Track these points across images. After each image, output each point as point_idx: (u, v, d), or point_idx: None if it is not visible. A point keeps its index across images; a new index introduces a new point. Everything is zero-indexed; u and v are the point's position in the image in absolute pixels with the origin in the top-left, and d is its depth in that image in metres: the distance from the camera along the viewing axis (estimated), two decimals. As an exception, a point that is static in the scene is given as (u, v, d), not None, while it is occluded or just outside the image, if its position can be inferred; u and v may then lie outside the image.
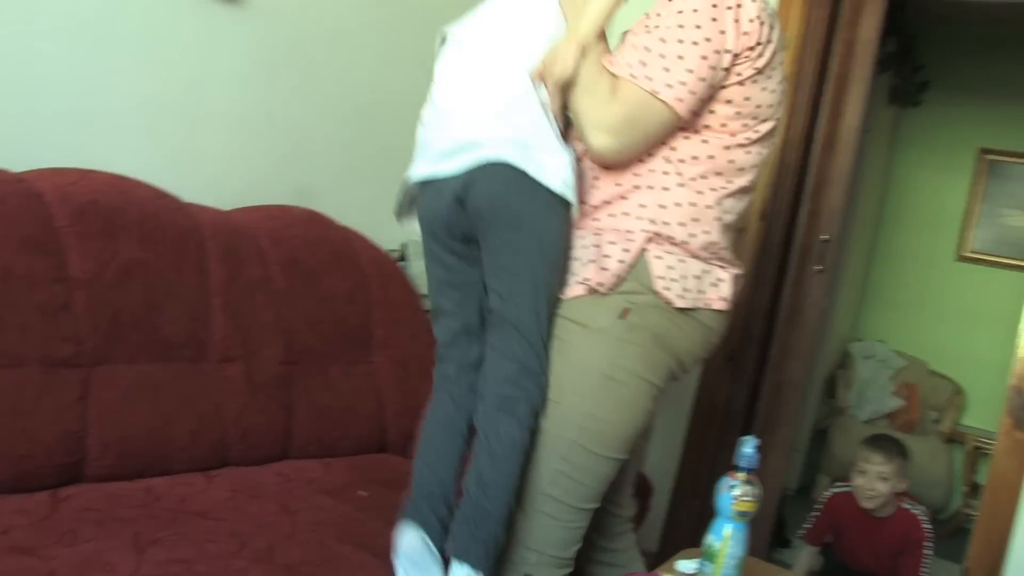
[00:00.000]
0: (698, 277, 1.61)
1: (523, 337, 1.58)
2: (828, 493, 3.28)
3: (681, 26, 1.51)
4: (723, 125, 1.58)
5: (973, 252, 5.64)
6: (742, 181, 1.63)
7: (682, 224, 1.59)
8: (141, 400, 1.82)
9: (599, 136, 1.55)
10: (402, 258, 2.79)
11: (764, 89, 1.59)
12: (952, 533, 4.71)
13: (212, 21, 2.26)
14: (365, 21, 2.69)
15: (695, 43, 1.50)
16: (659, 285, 1.57)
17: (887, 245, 5.87)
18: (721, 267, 1.66)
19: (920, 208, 5.80)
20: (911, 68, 5.57)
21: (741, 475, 1.58)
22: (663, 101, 1.51)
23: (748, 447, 1.59)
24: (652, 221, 1.58)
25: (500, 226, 1.58)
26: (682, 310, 1.59)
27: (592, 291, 1.59)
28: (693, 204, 1.59)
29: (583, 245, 1.63)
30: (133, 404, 1.80)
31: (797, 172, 3.55)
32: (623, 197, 1.61)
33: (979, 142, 5.69)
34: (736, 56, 1.53)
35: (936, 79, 5.67)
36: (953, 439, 5.20)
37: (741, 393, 3.56)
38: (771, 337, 3.60)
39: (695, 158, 1.58)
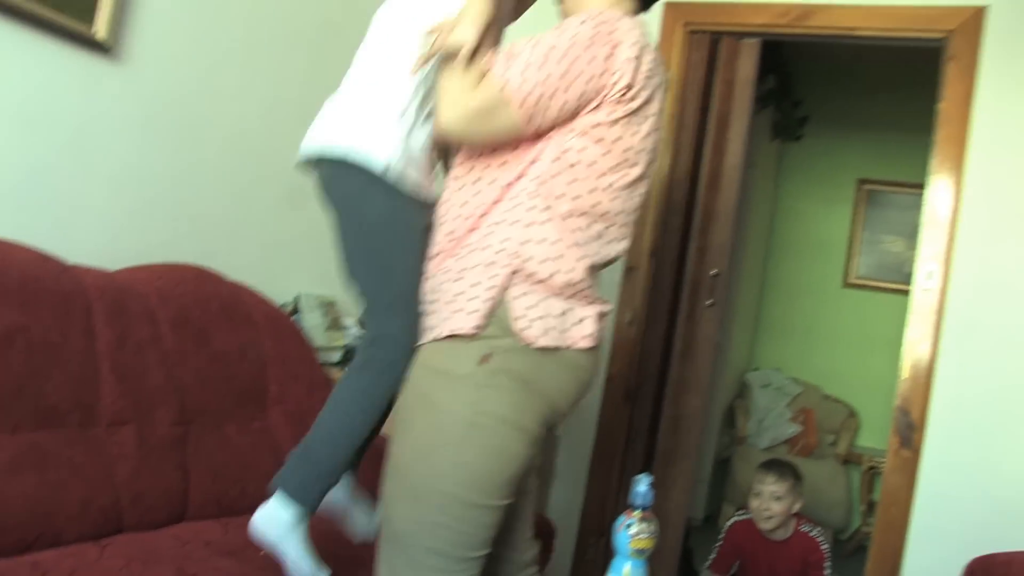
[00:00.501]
0: (560, 316, 1.60)
1: (369, 308, 1.68)
2: (729, 523, 3.35)
3: (554, 47, 1.56)
4: (591, 164, 1.60)
5: (858, 278, 5.89)
6: (605, 225, 1.65)
7: (544, 261, 1.58)
8: (26, 470, 1.77)
9: (448, 118, 1.57)
10: (295, 311, 2.78)
11: (635, 134, 1.63)
12: (853, 551, 4.87)
13: (91, 78, 2.23)
14: (250, 75, 2.70)
15: (559, 60, 1.54)
16: (518, 325, 1.56)
17: (777, 275, 6.09)
18: (583, 305, 1.65)
19: (806, 238, 6.04)
20: (791, 104, 5.82)
21: (637, 513, 1.62)
22: (513, 111, 1.55)
23: (642, 485, 1.63)
24: (515, 255, 1.58)
25: (331, 210, 1.74)
26: (545, 349, 1.58)
27: (452, 336, 1.59)
28: (558, 241, 1.59)
29: (443, 282, 1.64)
30: (17, 475, 1.75)
31: (684, 209, 3.66)
32: (483, 230, 1.62)
33: (857, 173, 5.97)
34: (602, 92, 1.57)
35: (815, 114, 5.93)
36: (849, 460, 5.39)
37: (641, 429, 3.63)
38: (667, 372, 3.68)
39: (561, 196, 1.59)
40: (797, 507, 3.16)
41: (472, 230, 1.63)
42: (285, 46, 2.81)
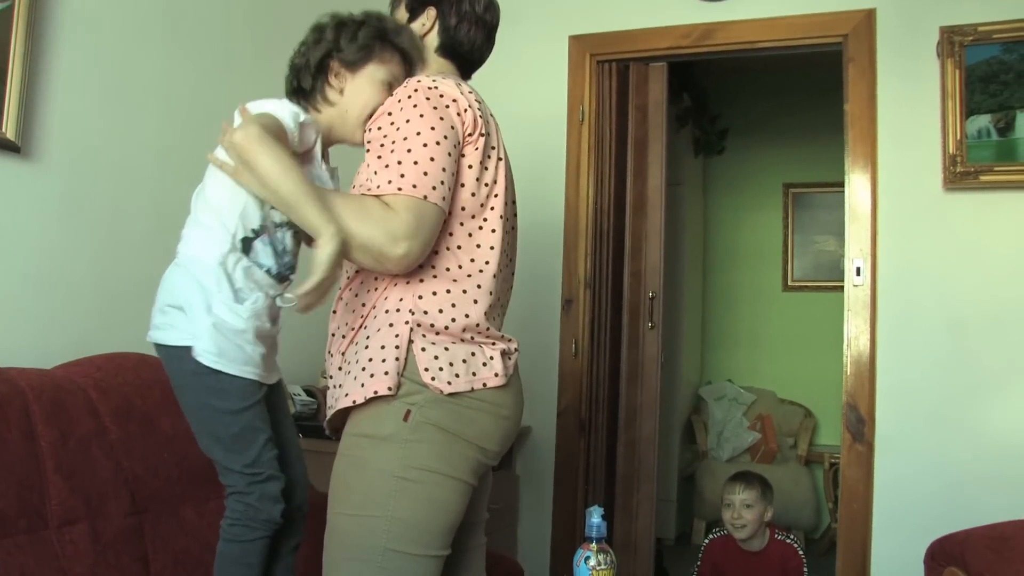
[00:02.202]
0: (465, 361, 1.67)
1: (218, 468, 1.77)
2: (705, 542, 3.34)
3: (418, 133, 1.63)
4: (461, 210, 1.71)
5: (796, 281, 6.02)
6: (477, 260, 1.73)
7: (441, 311, 1.66)
8: (-22, 583, 1.76)
9: (402, 245, 1.59)
10: (240, 385, 2.78)
11: (479, 179, 1.73)
12: (828, 549, 4.92)
13: (2, 178, 2.23)
14: (167, 159, 2.71)
15: (438, 142, 1.64)
16: (427, 377, 1.62)
17: (717, 288, 6.19)
18: (488, 346, 1.72)
19: (741, 247, 6.16)
20: (709, 119, 5.96)
21: (593, 545, 1.65)
22: (433, 203, 1.62)
23: (595, 517, 1.66)
24: (411, 311, 1.66)
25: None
26: (458, 395, 1.64)
27: (372, 399, 1.63)
28: (448, 291, 1.68)
29: (353, 353, 1.71)
30: (-31, 589, 1.74)
31: (614, 236, 3.73)
32: (380, 304, 1.71)
33: (782, 178, 6.12)
34: (463, 143, 1.69)
35: (734, 126, 6.08)
36: (811, 460, 5.47)
37: (599, 458, 3.67)
38: (617, 398, 3.73)
39: (435, 253, 1.70)
40: (769, 514, 3.17)
41: (365, 301, 1.73)
42: (199, 130, 2.83)
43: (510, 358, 1.77)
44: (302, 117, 1.71)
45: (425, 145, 1.62)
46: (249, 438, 1.74)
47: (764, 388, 5.86)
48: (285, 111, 1.69)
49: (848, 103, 3.30)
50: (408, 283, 1.68)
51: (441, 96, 1.69)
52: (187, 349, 1.70)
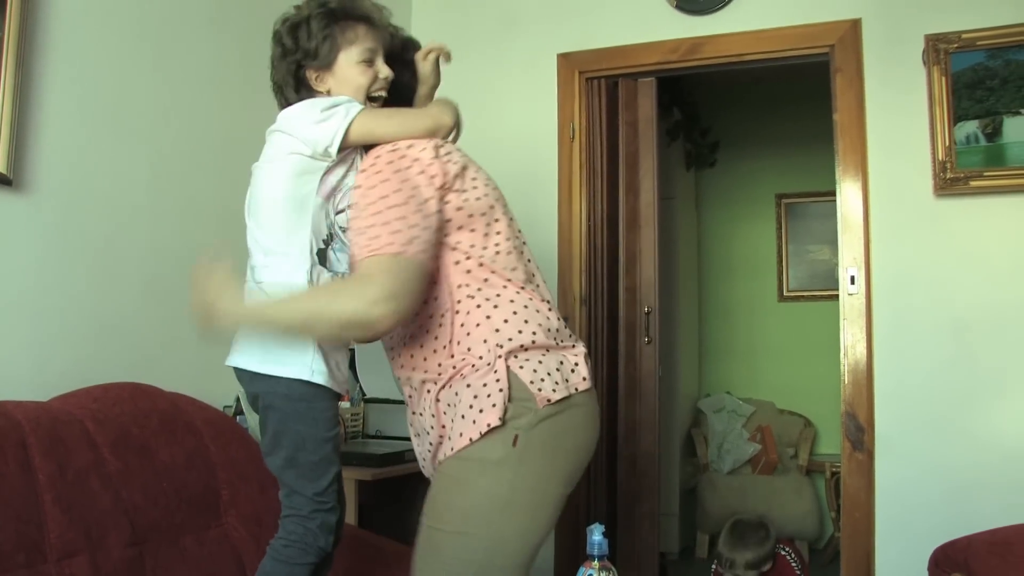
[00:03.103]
0: (558, 369, 1.70)
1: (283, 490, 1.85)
2: None
3: (383, 197, 1.67)
4: (471, 245, 1.76)
5: (791, 291, 6.03)
6: (519, 275, 1.78)
7: (520, 331, 1.70)
8: (-22, 619, 1.75)
9: (381, 306, 1.60)
10: (238, 412, 2.78)
11: (466, 196, 1.76)
12: (832, 559, 4.91)
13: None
14: (159, 187, 2.71)
15: (403, 203, 1.66)
16: (534, 389, 1.66)
17: (713, 301, 6.19)
18: (569, 351, 1.76)
19: (736, 259, 6.16)
20: (700, 132, 5.98)
21: (595, 563, 1.64)
22: (409, 258, 1.64)
23: (596, 535, 1.65)
24: (499, 345, 1.69)
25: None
26: (561, 402, 1.67)
27: (485, 433, 1.65)
28: (515, 312, 1.72)
29: (455, 393, 1.71)
30: (-30, 626, 1.73)
31: (608, 252, 3.74)
32: (460, 351, 1.73)
33: (774, 188, 6.13)
34: (441, 194, 1.72)
35: (725, 138, 6.10)
36: (812, 470, 5.46)
37: (599, 474, 3.66)
38: (616, 414, 3.73)
39: (485, 280, 1.74)
40: (768, 567, 3.11)
41: (445, 343, 1.74)
42: (192, 160, 2.83)
43: (588, 361, 1.80)
44: (347, 98, 1.78)
45: (391, 207, 1.66)
46: (325, 468, 1.82)
47: (763, 399, 5.85)
48: (355, 105, 1.77)
49: (837, 113, 3.31)
50: (479, 324, 1.71)
51: (402, 157, 1.73)
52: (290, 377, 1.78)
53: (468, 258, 1.75)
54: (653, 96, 3.79)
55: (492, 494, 1.66)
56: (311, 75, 1.83)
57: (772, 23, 3.41)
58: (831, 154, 3.35)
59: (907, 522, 3.07)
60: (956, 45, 3.08)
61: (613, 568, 1.65)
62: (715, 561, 3.27)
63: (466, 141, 1.94)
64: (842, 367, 3.25)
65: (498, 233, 1.79)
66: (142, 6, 2.66)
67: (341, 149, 1.75)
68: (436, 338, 1.75)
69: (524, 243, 1.88)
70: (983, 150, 3.04)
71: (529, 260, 1.85)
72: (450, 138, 1.85)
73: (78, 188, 2.45)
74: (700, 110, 5.88)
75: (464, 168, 1.78)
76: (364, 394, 3.35)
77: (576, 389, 1.72)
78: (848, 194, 3.27)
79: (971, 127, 3.06)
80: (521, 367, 1.67)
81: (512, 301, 1.74)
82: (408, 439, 2.57)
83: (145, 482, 2.21)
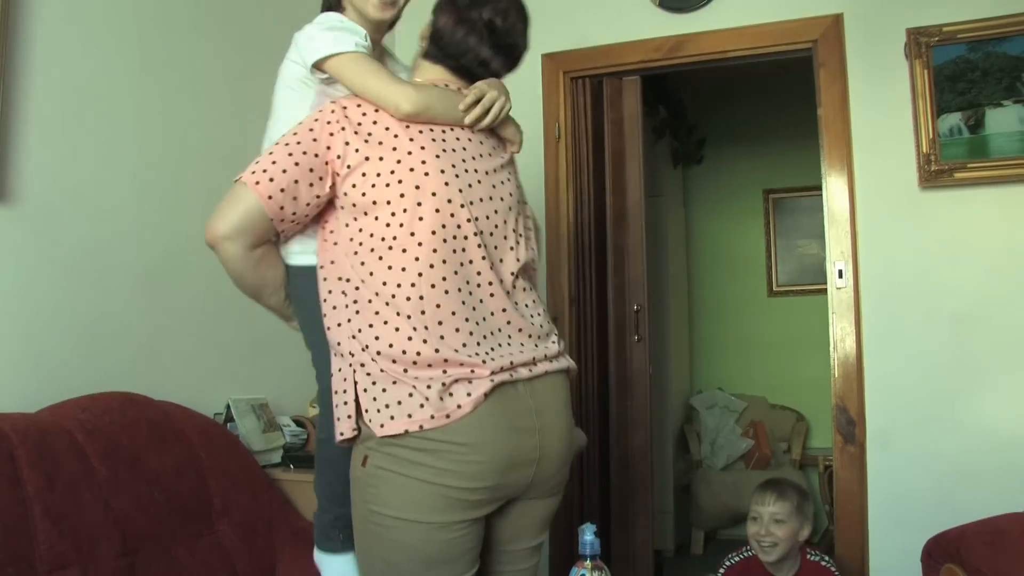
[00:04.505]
0: (400, 402, 1.59)
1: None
2: (722, 569, 2.82)
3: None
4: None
5: (781, 286, 6.04)
6: (392, 291, 1.66)
7: (376, 348, 1.62)
8: (-31, 634, 1.74)
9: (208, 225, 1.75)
10: (228, 419, 2.77)
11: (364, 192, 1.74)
12: (827, 551, 4.91)
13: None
14: (146, 198, 2.70)
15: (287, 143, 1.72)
16: (366, 419, 1.62)
17: (703, 297, 6.20)
18: (434, 380, 1.61)
19: (725, 255, 6.17)
20: (686, 129, 5.98)
21: (587, 563, 1.64)
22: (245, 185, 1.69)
23: (588, 534, 1.65)
24: (351, 353, 1.65)
25: None
26: (397, 436, 1.59)
27: (346, 440, 1.66)
28: (385, 322, 1.63)
29: (327, 385, 1.74)
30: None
31: (596, 251, 3.74)
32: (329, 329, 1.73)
33: (762, 184, 6.14)
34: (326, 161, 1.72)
35: (712, 135, 6.10)
36: (805, 464, 5.47)
37: (592, 472, 3.66)
38: (608, 413, 3.73)
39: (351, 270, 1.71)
40: (806, 533, 2.72)
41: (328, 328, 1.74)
42: (176, 167, 2.83)
43: (470, 386, 1.62)
44: (360, 39, 1.78)
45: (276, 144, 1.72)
46: None
47: (755, 394, 5.85)
48: (350, 41, 1.75)
49: (821, 108, 3.32)
50: (351, 320, 1.67)
51: (320, 111, 1.74)
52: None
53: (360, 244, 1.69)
54: (638, 94, 3.80)
55: (359, 515, 1.68)
56: None
57: (755, 19, 3.42)
58: (817, 148, 3.35)
59: (900, 513, 3.08)
60: (937, 38, 3.09)
61: (606, 568, 1.65)
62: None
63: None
64: (832, 361, 3.26)
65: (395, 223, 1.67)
66: (124, 13, 2.65)
67: (321, 72, 1.78)
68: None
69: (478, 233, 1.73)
70: (966, 142, 3.05)
71: (437, 262, 1.67)
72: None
73: (63, 198, 2.44)
74: (686, 107, 5.88)
75: (366, 159, 1.69)
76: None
77: (420, 427, 1.58)
78: (834, 188, 3.28)
79: (954, 119, 3.07)
80: (365, 390, 1.62)
81: (378, 313, 1.65)
82: None
83: (136, 492, 2.21)
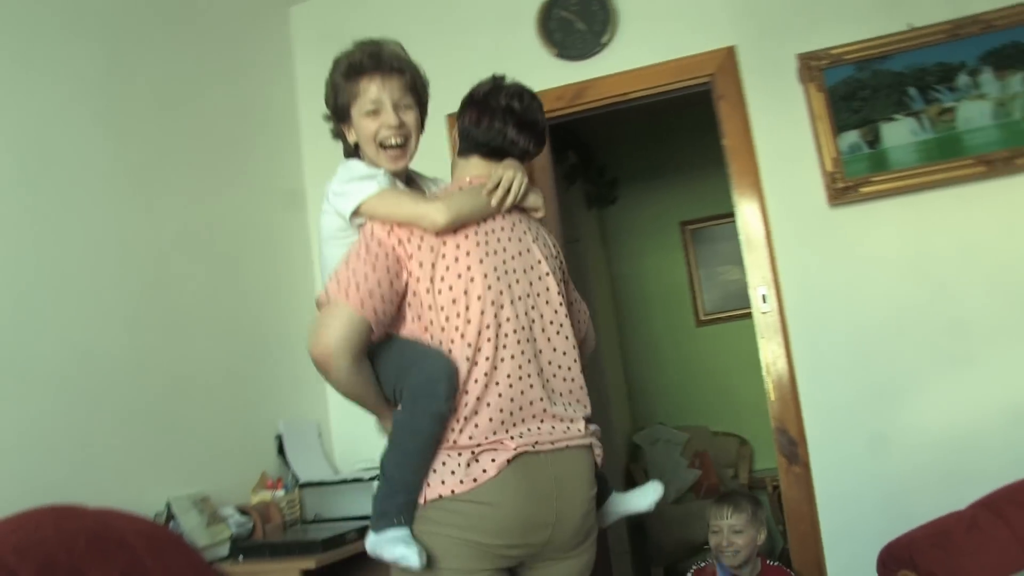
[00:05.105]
0: (436, 470, 1.83)
1: None
2: (689, 574, 3.18)
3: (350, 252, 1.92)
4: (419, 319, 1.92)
5: (708, 314, 6.14)
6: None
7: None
8: None
9: (309, 338, 1.84)
10: (170, 517, 2.70)
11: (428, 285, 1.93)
12: (786, 572, 4.95)
13: None
14: (63, 300, 2.64)
15: (355, 258, 1.88)
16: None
17: (634, 335, 6.26)
18: (461, 454, 1.82)
19: (650, 291, 6.26)
20: (597, 171, 6.08)
21: None
22: (344, 303, 1.82)
23: None
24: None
25: None
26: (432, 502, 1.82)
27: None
28: None
29: None
30: None
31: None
32: None
33: (677, 217, 6.26)
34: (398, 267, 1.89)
35: (623, 173, 6.21)
36: (754, 487, 5.53)
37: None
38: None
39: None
40: (762, 538, 3.04)
41: None
42: (94, 275, 2.77)
43: (495, 453, 1.81)
44: (380, 176, 1.94)
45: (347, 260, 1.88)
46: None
47: (696, 424, 5.92)
48: (373, 185, 1.92)
49: (725, 138, 3.41)
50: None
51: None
52: None
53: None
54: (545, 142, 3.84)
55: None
56: (343, 129, 2.08)
57: (651, 60, 3.51)
58: (726, 180, 3.43)
59: (851, 525, 3.12)
60: (826, 61, 3.21)
61: None
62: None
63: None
64: (767, 384, 3.31)
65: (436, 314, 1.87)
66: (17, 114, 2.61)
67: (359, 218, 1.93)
68: None
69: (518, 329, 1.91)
70: (867, 157, 3.17)
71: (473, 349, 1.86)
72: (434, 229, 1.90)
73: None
74: (595, 150, 5.99)
75: (420, 264, 1.87)
76: (298, 480, 3.30)
77: (439, 495, 1.79)
78: (747, 216, 3.36)
79: (853, 137, 3.18)
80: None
81: None
82: (347, 520, 2.58)
83: (80, 607, 2.13)
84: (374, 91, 2.00)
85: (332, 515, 3.15)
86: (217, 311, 3.24)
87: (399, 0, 3.91)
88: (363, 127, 2.01)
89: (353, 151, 2.09)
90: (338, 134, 2.12)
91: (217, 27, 3.55)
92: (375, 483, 1.94)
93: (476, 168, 2.05)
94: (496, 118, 2.03)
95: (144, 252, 2.94)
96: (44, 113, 2.67)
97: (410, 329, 1.89)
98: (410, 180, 2.16)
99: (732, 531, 3.00)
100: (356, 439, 3.68)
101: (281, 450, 3.41)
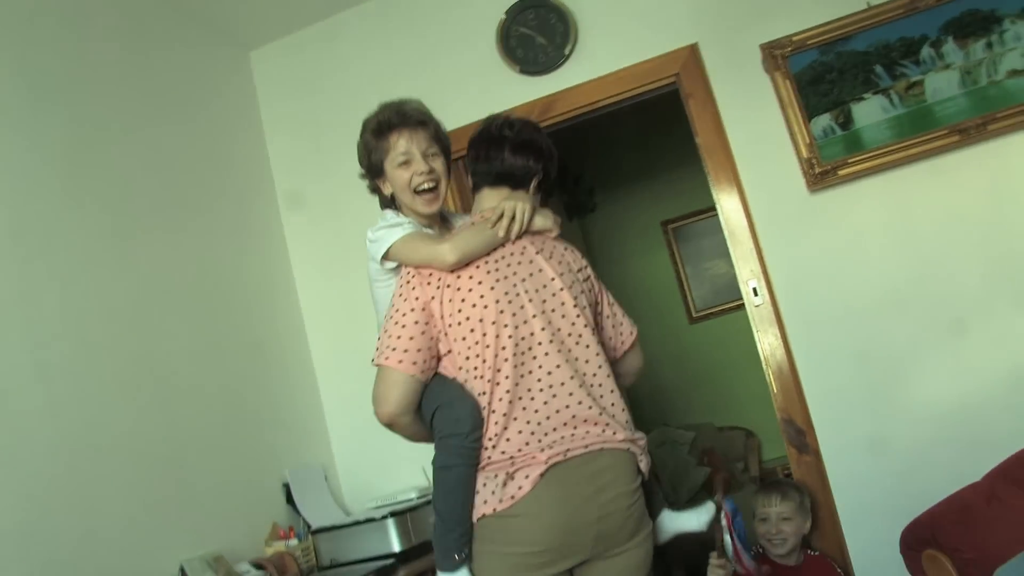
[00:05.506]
0: (478, 491, 2.05)
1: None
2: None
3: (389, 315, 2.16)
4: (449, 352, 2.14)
5: (700, 311, 6.14)
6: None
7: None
8: None
9: (374, 408, 2.14)
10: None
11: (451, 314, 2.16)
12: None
13: None
14: (53, 381, 2.61)
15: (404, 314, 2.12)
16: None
17: (628, 338, 6.23)
18: (502, 470, 2.02)
19: (639, 293, 6.25)
20: (573, 181, 6.08)
21: None
22: (389, 367, 2.08)
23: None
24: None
25: None
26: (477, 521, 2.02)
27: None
28: None
29: None
30: None
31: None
32: None
33: (658, 217, 6.26)
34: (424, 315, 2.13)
35: (600, 180, 6.22)
36: (765, 478, 5.50)
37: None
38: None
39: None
40: (807, 526, 3.07)
41: None
42: (78, 336, 2.74)
43: (528, 469, 1.97)
44: (406, 224, 2.19)
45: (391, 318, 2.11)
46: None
47: (700, 421, 5.91)
48: (398, 232, 2.16)
49: (699, 136, 3.42)
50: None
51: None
52: None
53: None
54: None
55: None
56: (378, 183, 2.32)
57: (615, 66, 3.51)
58: (704, 174, 3.43)
59: (870, 508, 3.10)
60: (790, 48, 3.22)
61: None
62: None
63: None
64: (768, 376, 3.30)
65: (458, 341, 2.08)
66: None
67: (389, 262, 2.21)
68: None
69: (532, 346, 2.07)
70: (841, 139, 3.17)
71: (492, 367, 2.04)
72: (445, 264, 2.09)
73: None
74: (569, 160, 5.98)
75: (442, 303, 2.07)
76: (309, 527, 3.27)
77: (483, 515, 2.00)
78: (729, 210, 3.36)
79: (825, 120, 3.19)
80: None
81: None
82: (364, 562, 2.60)
83: None
84: (403, 144, 2.23)
85: (348, 558, 3.11)
86: (209, 367, 3.21)
87: (357, 36, 3.91)
88: (397, 177, 2.24)
89: (389, 203, 2.34)
90: (374, 189, 2.35)
91: (180, 79, 3.54)
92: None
93: (488, 200, 2.24)
94: (492, 148, 2.24)
95: (129, 315, 2.91)
96: (13, 185, 2.65)
97: (446, 364, 2.10)
98: (445, 219, 2.41)
99: (781, 519, 3.03)
100: (363, 479, 3.68)
101: (290, 498, 3.38)
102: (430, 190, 2.25)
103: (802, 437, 3.23)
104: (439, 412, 2.05)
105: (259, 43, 4.06)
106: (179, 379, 3.04)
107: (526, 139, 2.28)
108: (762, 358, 3.32)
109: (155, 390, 2.92)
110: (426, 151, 2.26)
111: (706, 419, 5.92)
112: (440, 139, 2.33)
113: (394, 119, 2.25)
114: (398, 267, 2.21)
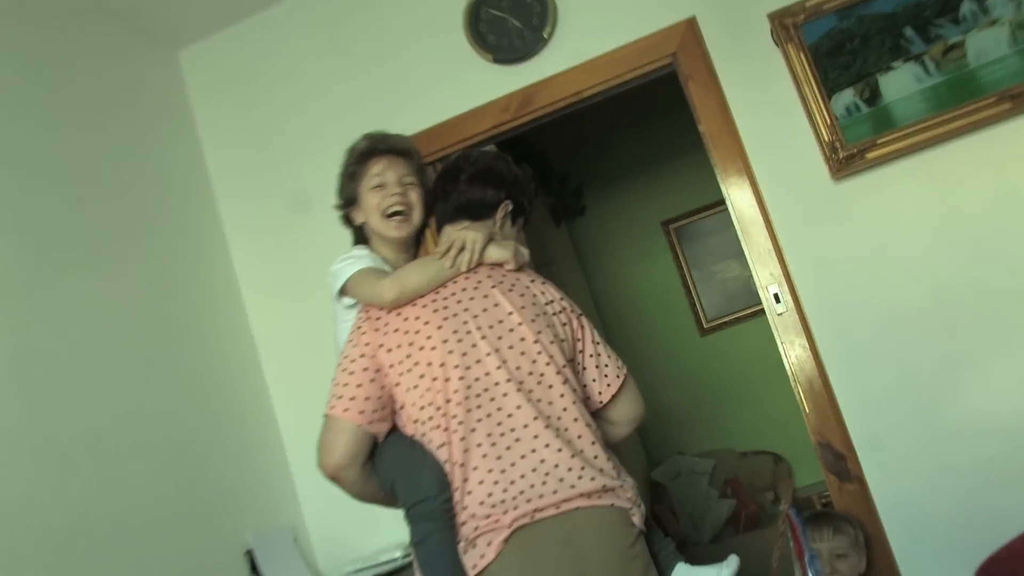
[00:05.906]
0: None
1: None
2: None
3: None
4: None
5: (711, 321, 6.06)
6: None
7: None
8: None
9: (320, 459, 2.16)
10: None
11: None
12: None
13: None
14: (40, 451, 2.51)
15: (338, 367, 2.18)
16: None
17: (630, 357, 6.05)
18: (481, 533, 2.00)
19: (642, 304, 6.19)
20: (558, 181, 6.00)
21: None
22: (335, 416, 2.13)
23: None
24: None
25: None
26: None
27: None
28: None
29: None
30: None
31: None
32: None
33: (658, 216, 6.20)
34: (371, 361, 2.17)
35: (588, 179, 6.15)
36: (802, 508, 5.42)
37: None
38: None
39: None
40: (863, 566, 2.99)
41: None
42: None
43: (491, 535, 1.95)
44: (364, 258, 2.27)
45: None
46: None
47: (719, 447, 5.83)
48: (356, 265, 2.24)
49: (702, 123, 3.34)
50: None
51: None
52: None
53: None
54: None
55: None
56: (351, 213, 2.42)
57: (603, 48, 3.44)
58: (709, 164, 3.35)
59: (929, 541, 3.01)
60: (803, 16, 3.14)
61: None
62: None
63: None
64: (797, 394, 3.21)
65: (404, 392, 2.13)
66: None
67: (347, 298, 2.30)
68: None
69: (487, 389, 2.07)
70: (868, 117, 3.10)
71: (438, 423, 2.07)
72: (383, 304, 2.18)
73: None
74: (552, 158, 5.90)
75: (388, 350, 2.12)
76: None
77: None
78: (741, 205, 3.27)
79: (848, 96, 3.11)
80: None
81: None
82: None
83: None
84: (379, 168, 2.35)
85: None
86: (151, 420, 3.12)
87: (303, 28, 3.84)
88: (368, 200, 2.35)
89: (360, 238, 2.45)
90: (347, 220, 2.46)
91: (96, 81, 3.47)
92: None
93: (447, 235, 2.28)
94: (448, 183, 2.35)
95: (51, 367, 2.82)
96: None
97: (403, 420, 2.13)
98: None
99: (834, 555, 2.95)
100: (339, 537, 3.61)
101: (254, 567, 3.27)
102: (400, 213, 2.34)
103: (842, 463, 3.13)
104: (399, 482, 2.09)
105: (188, 40, 3.99)
106: (115, 437, 2.95)
107: (483, 168, 2.36)
108: (789, 373, 3.22)
109: (87, 453, 2.82)
110: (403, 178, 2.37)
111: (726, 444, 5.84)
112: (422, 172, 2.45)
113: (379, 146, 2.39)
114: (356, 304, 2.29)
